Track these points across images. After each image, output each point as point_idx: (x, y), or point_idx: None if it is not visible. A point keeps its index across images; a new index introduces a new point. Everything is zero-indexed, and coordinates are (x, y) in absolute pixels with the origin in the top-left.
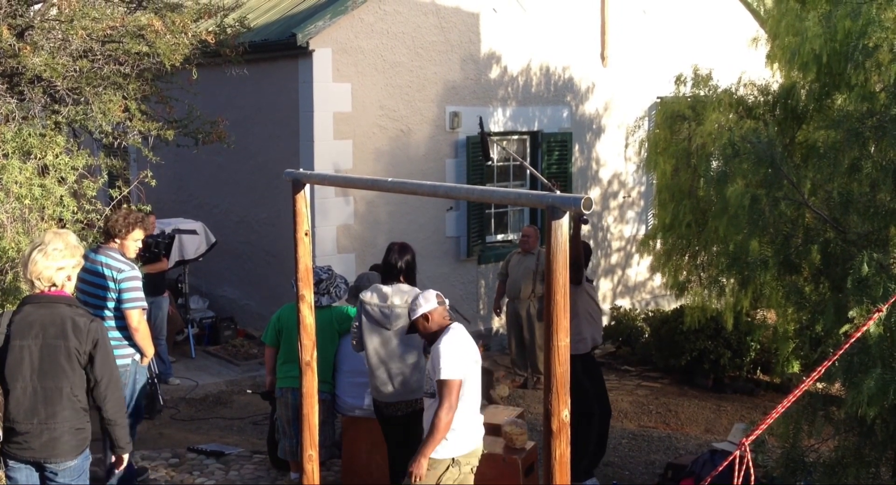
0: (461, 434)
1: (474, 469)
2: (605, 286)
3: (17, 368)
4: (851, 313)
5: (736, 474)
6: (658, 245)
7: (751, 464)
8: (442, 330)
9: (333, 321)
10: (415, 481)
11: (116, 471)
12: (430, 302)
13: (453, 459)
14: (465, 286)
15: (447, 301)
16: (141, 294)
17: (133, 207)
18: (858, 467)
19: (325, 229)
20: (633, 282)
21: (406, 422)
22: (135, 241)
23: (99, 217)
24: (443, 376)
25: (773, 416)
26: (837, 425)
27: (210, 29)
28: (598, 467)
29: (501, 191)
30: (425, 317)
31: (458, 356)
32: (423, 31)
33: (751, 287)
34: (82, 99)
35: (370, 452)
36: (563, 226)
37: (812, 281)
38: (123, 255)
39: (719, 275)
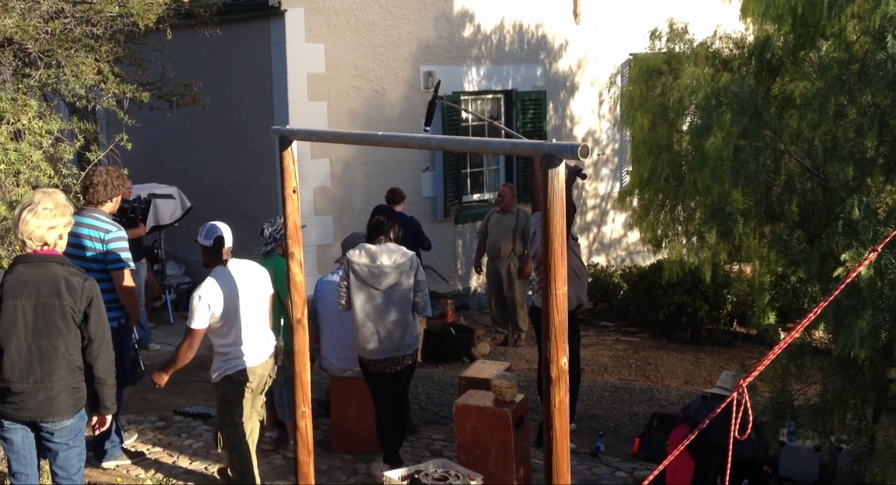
0: (232, 359)
1: (251, 385)
2: (580, 244)
3: (11, 327)
4: (844, 256)
5: (734, 416)
6: (635, 201)
7: (749, 406)
8: (209, 268)
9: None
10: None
11: (97, 432)
12: (207, 240)
13: (227, 377)
14: (442, 246)
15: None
16: (129, 255)
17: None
18: (844, 409)
19: (302, 192)
20: (609, 239)
21: (392, 378)
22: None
23: (75, 182)
24: (188, 324)
25: (769, 357)
26: (825, 369)
27: None
28: (580, 419)
29: (496, 141)
30: (204, 249)
31: (207, 306)
32: None
33: (730, 239)
34: (54, 62)
35: (359, 410)
36: (559, 174)
37: (791, 231)
38: (108, 215)
39: (699, 227)
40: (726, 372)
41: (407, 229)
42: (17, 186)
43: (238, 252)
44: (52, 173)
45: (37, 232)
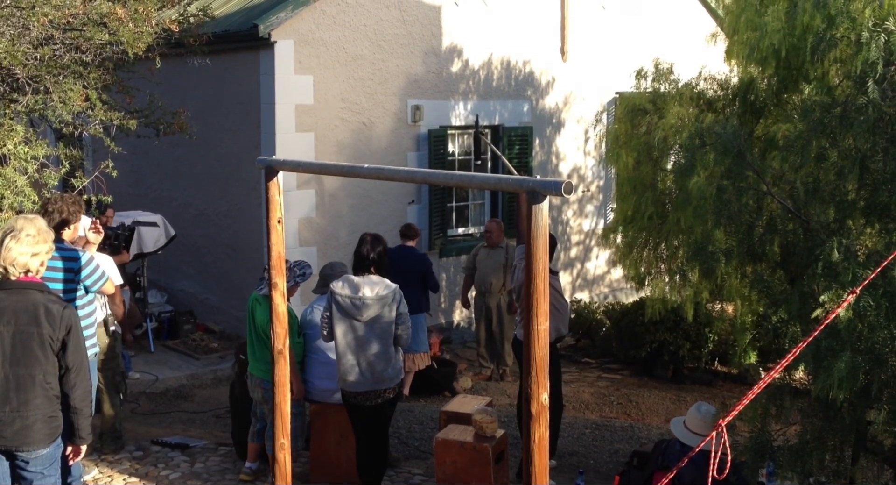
0: None
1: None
2: (564, 280)
3: None
4: (823, 298)
5: (713, 455)
6: (619, 238)
7: (727, 445)
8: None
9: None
10: None
11: (71, 462)
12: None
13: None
14: None
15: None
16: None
17: (74, 195)
18: (823, 450)
19: (287, 222)
20: (592, 275)
21: (373, 411)
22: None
23: None
24: None
25: (748, 397)
26: (804, 410)
27: (173, 17)
28: (560, 456)
29: (480, 176)
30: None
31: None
32: (386, 24)
33: (713, 278)
34: (42, 88)
35: (339, 443)
36: (543, 210)
37: (773, 271)
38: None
39: (682, 266)
40: (698, 411)
41: (415, 266)
42: (1, 211)
43: (221, 280)
44: (37, 199)
45: (20, 259)
